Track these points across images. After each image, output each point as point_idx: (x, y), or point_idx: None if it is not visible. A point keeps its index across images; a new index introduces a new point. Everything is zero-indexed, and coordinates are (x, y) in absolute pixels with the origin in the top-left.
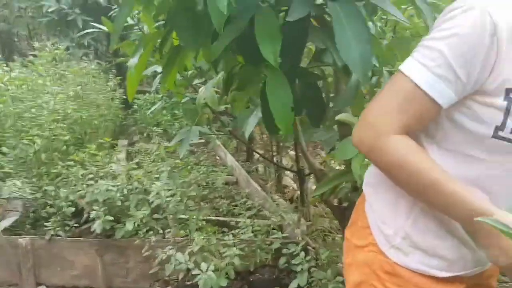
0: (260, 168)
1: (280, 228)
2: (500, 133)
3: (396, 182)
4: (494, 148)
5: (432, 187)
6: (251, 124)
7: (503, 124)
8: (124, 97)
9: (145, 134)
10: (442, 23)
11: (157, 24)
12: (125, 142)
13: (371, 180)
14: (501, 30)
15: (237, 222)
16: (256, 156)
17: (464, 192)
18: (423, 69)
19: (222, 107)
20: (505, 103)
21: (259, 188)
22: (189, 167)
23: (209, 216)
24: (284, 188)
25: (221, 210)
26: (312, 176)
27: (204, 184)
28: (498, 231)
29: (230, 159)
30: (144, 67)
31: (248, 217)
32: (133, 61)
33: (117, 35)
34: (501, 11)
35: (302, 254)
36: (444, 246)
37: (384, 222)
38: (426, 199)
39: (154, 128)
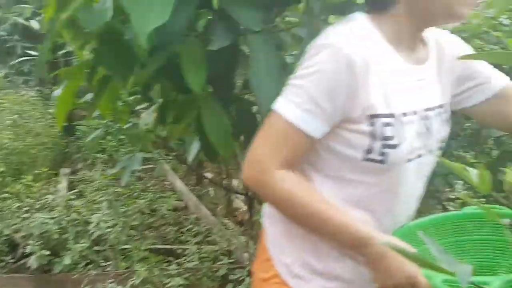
0: (211, 191)
1: (229, 253)
2: (369, 156)
3: (285, 215)
4: (368, 170)
5: (318, 218)
6: (195, 148)
7: (370, 147)
8: (66, 124)
9: (89, 162)
10: (305, 61)
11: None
12: (67, 170)
13: (267, 211)
14: (356, 66)
15: (184, 250)
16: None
17: (349, 221)
18: (293, 106)
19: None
20: (370, 128)
21: (209, 213)
22: (135, 194)
23: (154, 245)
24: (235, 211)
25: (168, 237)
26: None
27: (150, 211)
28: (382, 255)
29: (179, 184)
30: (70, 98)
31: (195, 244)
32: (56, 93)
33: (42, 66)
34: (354, 47)
35: (248, 279)
36: (341, 268)
37: (283, 252)
38: (315, 229)
39: (99, 154)
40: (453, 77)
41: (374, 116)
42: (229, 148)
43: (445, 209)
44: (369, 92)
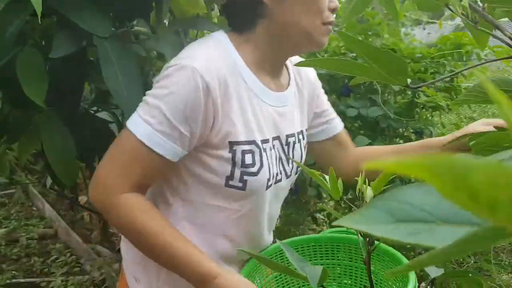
0: (86, 216)
1: (103, 282)
2: (231, 182)
3: (131, 242)
4: (229, 196)
5: (163, 248)
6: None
7: (232, 173)
8: None
9: None
10: (161, 80)
11: None
12: None
13: (123, 237)
14: (214, 89)
15: (49, 282)
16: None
17: (192, 255)
18: (146, 125)
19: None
20: (230, 154)
21: (80, 240)
22: None
23: (15, 278)
24: (112, 236)
25: (32, 269)
26: None
27: (11, 241)
28: None
29: (48, 209)
30: None
31: (62, 275)
32: None
33: None
34: (213, 70)
35: None
36: None
37: (137, 279)
38: (158, 260)
39: None
40: (312, 108)
41: (234, 143)
42: (73, 174)
43: (315, 220)
44: (228, 118)
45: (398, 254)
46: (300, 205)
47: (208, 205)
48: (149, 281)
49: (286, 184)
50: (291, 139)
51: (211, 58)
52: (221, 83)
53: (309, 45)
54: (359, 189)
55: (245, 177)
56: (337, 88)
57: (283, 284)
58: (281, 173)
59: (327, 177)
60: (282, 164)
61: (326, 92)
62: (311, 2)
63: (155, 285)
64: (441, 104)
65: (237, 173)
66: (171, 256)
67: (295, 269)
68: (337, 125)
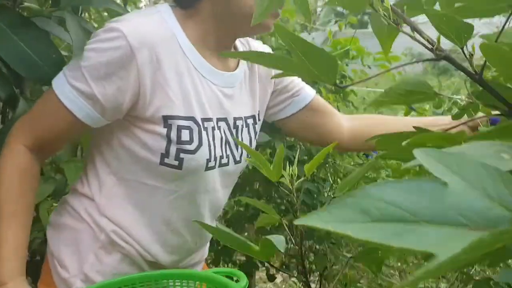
0: None
1: None
2: (166, 160)
3: None
4: (165, 175)
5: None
6: None
7: (167, 151)
8: None
9: None
10: (91, 40)
11: None
12: None
13: (53, 219)
14: (140, 55)
15: None
16: None
17: (4, 248)
18: (62, 77)
19: None
20: (165, 130)
21: None
22: None
23: None
24: None
25: None
26: None
27: None
28: None
29: None
30: None
31: None
32: None
33: None
34: (145, 40)
35: None
36: None
37: (63, 265)
38: None
39: None
40: (269, 88)
41: (169, 118)
42: None
43: None
44: (162, 90)
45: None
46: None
47: (144, 184)
48: (74, 266)
49: (234, 170)
50: (239, 123)
51: (144, 25)
52: (151, 51)
53: (255, 27)
54: (290, 173)
55: (182, 155)
56: None
57: None
58: (227, 157)
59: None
60: (230, 148)
61: None
62: None
63: (80, 270)
64: (336, 104)
65: (173, 150)
66: None
67: None
68: (307, 94)
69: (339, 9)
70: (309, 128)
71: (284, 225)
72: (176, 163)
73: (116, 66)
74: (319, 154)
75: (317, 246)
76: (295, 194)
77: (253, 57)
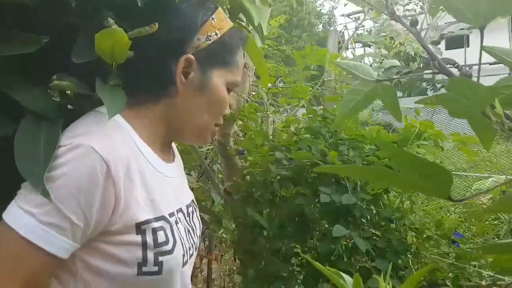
0: None
1: None
2: (144, 269)
3: None
4: (143, 286)
5: None
6: None
7: (144, 258)
8: None
9: None
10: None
11: None
12: None
13: None
14: (116, 170)
15: None
16: None
17: None
18: (28, 218)
19: None
20: (139, 237)
21: None
22: None
23: None
24: None
25: None
26: None
27: None
28: None
29: None
30: None
31: None
32: None
33: None
34: (111, 147)
35: None
36: None
37: None
38: None
39: None
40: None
41: (143, 223)
42: None
43: None
44: (133, 199)
45: None
46: None
47: None
48: None
49: (194, 258)
50: (190, 209)
51: (108, 135)
52: (123, 161)
53: (195, 138)
54: None
55: (160, 258)
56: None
57: None
58: (192, 246)
59: (347, 278)
60: (191, 236)
61: None
62: (217, 104)
63: None
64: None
65: (151, 255)
66: None
67: None
68: None
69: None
70: None
71: None
72: (155, 268)
73: (93, 189)
74: (417, 274)
75: None
76: None
77: (357, 170)
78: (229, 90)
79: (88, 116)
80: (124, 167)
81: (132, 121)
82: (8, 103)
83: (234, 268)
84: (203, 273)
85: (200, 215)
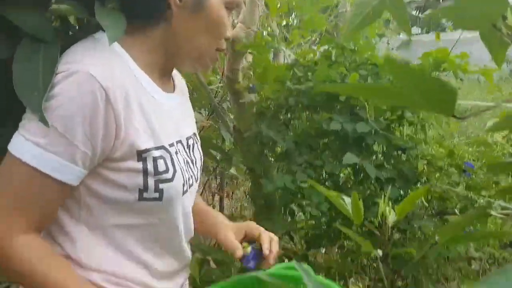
0: None
1: None
2: (145, 195)
3: None
4: (145, 211)
5: None
6: None
7: (145, 185)
8: None
9: None
10: (48, 91)
11: None
12: None
13: None
14: (114, 96)
15: None
16: None
17: None
18: (36, 148)
19: None
20: (140, 164)
21: None
22: None
23: None
24: None
25: None
26: None
27: None
28: None
29: None
30: None
31: None
32: None
33: None
34: (109, 73)
35: None
36: None
37: None
38: None
39: None
40: (191, 112)
41: (144, 152)
42: None
43: (291, 239)
44: (132, 126)
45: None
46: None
47: (121, 226)
48: None
49: (195, 188)
50: (190, 142)
51: (106, 62)
52: (121, 89)
53: (196, 64)
54: (382, 213)
55: (161, 186)
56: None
57: None
58: (191, 177)
59: (346, 199)
60: (191, 167)
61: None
62: (215, 26)
63: None
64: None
65: (151, 182)
66: None
67: None
68: None
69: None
70: None
71: (378, 256)
72: (156, 195)
73: (95, 116)
74: (412, 195)
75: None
76: (388, 232)
77: (358, 89)
78: (228, 10)
79: (85, 42)
80: (123, 95)
81: (129, 49)
82: (6, 26)
83: (245, 204)
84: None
85: (210, 153)
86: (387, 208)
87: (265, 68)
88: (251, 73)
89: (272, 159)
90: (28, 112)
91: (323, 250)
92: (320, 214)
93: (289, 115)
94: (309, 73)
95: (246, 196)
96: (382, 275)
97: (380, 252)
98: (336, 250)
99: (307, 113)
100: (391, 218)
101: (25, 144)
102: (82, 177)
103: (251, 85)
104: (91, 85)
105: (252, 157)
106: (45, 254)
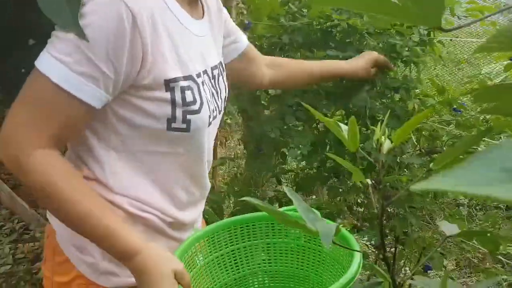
0: None
1: None
2: (174, 125)
3: (47, 207)
4: (173, 140)
5: (83, 218)
6: None
7: (173, 115)
8: None
9: None
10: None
11: None
12: None
13: None
14: (141, 20)
15: None
16: None
17: (117, 229)
18: (61, 66)
19: None
20: (168, 94)
21: (26, 205)
22: None
23: None
24: None
25: None
26: None
27: None
28: (141, 271)
29: None
30: None
31: (10, 243)
32: None
33: None
34: (137, 0)
35: None
36: None
37: (83, 251)
38: (77, 229)
39: None
40: (221, 34)
41: (171, 81)
42: None
43: (279, 182)
44: (160, 54)
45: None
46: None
47: (150, 153)
48: (98, 250)
49: (219, 120)
50: (215, 72)
51: None
52: (148, 13)
53: None
54: (377, 139)
55: (188, 117)
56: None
57: (225, 264)
58: (215, 109)
59: (343, 126)
60: (215, 99)
61: None
62: None
63: (104, 252)
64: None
65: (179, 113)
66: (91, 228)
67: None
68: (243, 40)
69: None
70: (236, 73)
71: (370, 185)
72: (184, 126)
73: (121, 38)
74: (412, 121)
75: (394, 210)
76: (382, 160)
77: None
78: None
79: None
80: (150, 19)
81: None
82: None
83: (239, 152)
84: None
85: None
86: (383, 137)
87: (258, 4)
88: (244, 11)
89: (265, 103)
90: (57, 29)
91: (313, 196)
92: (308, 152)
93: (283, 54)
94: (304, 10)
95: (239, 144)
96: (373, 208)
97: (369, 181)
98: (326, 192)
99: (301, 51)
100: (386, 145)
101: (51, 61)
102: (105, 101)
103: (246, 21)
104: (118, 6)
105: (246, 99)
106: (63, 169)
